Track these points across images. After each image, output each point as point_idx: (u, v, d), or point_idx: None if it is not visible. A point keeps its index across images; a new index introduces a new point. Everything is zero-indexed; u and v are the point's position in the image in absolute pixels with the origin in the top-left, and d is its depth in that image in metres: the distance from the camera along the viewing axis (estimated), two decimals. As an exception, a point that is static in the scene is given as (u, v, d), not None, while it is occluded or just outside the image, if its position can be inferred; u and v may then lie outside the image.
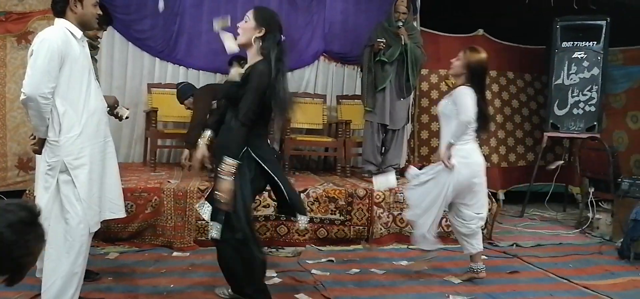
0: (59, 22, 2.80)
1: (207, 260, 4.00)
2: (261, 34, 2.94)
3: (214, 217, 2.93)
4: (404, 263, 4.22)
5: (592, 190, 5.70)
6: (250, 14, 3.00)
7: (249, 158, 2.92)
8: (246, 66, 3.03)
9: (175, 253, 4.21)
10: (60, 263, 2.74)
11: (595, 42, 6.26)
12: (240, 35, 3.00)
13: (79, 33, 2.80)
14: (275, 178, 3.01)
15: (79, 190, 2.75)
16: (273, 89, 2.86)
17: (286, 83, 2.95)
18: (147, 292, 3.42)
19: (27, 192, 4.13)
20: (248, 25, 2.97)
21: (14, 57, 5.62)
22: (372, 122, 5.56)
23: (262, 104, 2.88)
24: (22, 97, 2.66)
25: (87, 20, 2.88)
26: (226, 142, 2.92)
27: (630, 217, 4.59)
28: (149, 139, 5.61)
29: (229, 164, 2.80)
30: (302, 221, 3.15)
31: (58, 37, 2.71)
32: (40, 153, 2.85)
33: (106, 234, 4.19)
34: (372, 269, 4.05)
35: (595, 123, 6.24)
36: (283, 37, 2.99)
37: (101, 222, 2.97)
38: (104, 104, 3.03)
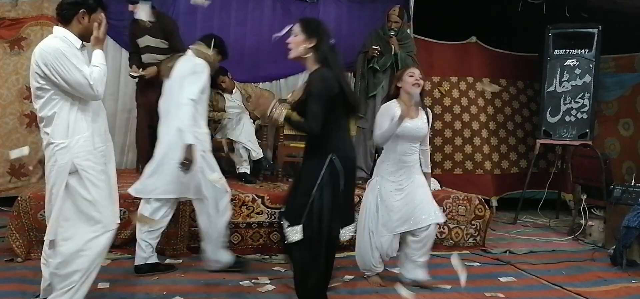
0: (58, 31, 2.82)
1: (200, 267, 4.00)
2: (313, 45, 2.97)
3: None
4: (397, 270, 4.21)
5: (584, 197, 5.71)
6: (297, 28, 3.02)
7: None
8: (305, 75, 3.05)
9: (167, 260, 4.19)
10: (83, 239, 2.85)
11: (587, 50, 6.29)
12: (292, 50, 3.02)
13: (77, 42, 2.82)
14: None
15: (89, 190, 2.82)
16: (342, 90, 2.95)
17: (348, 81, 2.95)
18: (140, 299, 3.41)
19: (19, 198, 4.10)
20: (298, 39, 3.00)
21: (6, 63, 5.59)
22: (364, 129, 5.57)
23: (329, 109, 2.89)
24: (96, 94, 2.78)
25: (89, 35, 2.90)
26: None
27: (623, 224, 4.60)
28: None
29: None
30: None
31: (63, 43, 2.75)
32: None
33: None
34: (365, 276, 4.04)
35: (587, 130, 6.28)
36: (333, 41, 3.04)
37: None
38: (104, 110, 3.08)
